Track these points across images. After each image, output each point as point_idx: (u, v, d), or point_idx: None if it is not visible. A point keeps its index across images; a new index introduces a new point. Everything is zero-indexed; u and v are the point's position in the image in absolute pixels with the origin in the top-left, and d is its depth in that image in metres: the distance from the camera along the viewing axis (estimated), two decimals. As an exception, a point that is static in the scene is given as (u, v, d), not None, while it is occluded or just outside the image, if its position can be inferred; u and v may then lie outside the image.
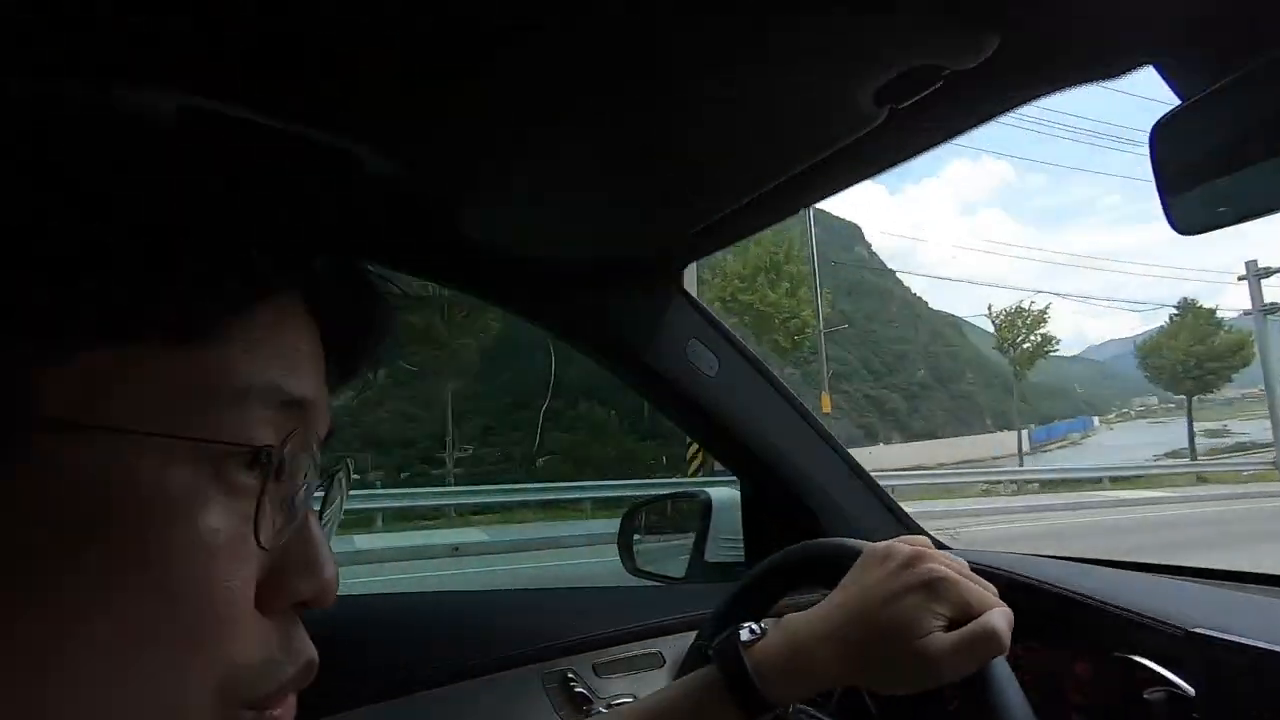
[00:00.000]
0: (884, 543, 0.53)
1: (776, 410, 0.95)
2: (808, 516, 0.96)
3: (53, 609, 0.22)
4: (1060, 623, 0.69)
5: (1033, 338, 28.40)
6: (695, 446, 14.10)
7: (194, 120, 0.52)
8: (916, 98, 0.49)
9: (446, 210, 0.68)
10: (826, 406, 13.83)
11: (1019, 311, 28.99)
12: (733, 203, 0.71)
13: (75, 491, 0.22)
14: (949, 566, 0.48)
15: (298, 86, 0.54)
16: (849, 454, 1.01)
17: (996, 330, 29.36)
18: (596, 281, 0.83)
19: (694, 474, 14.05)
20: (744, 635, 0.52)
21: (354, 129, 0.59)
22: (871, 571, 0.50)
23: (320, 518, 0.29)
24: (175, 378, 0.24)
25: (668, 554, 1.11)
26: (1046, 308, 29.53)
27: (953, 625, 0.45)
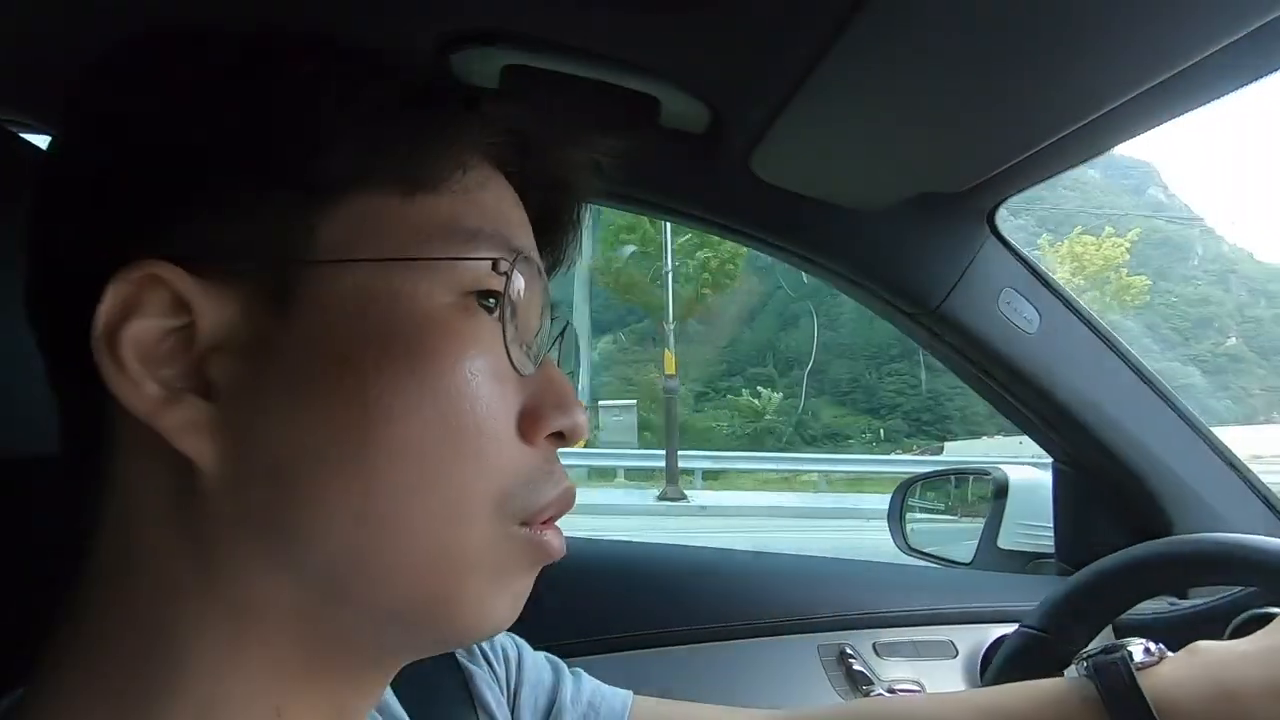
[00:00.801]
0: None
1: (1114, 376, 0.78)
2: (1152, 506, 0.78)
3: (354, 417, 0.25)
4: None
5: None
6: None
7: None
8: None
9: (744, 150, 0.65)
10: (670, 367, 10.41)
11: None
12: (1086, 113, 0.57)
13: (354, 318, 0.26)
14: None
15: (616, 25, 0.55)
16: (1213, 434, 0.80)
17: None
18: (893, 223, 0.73)
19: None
20: (1137, 654, 0.41)
21: (666, 72, 0.59)
22: None
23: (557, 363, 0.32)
24: (416, 220, 0.27)
25: (945, 534, 0.99)
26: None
27: None
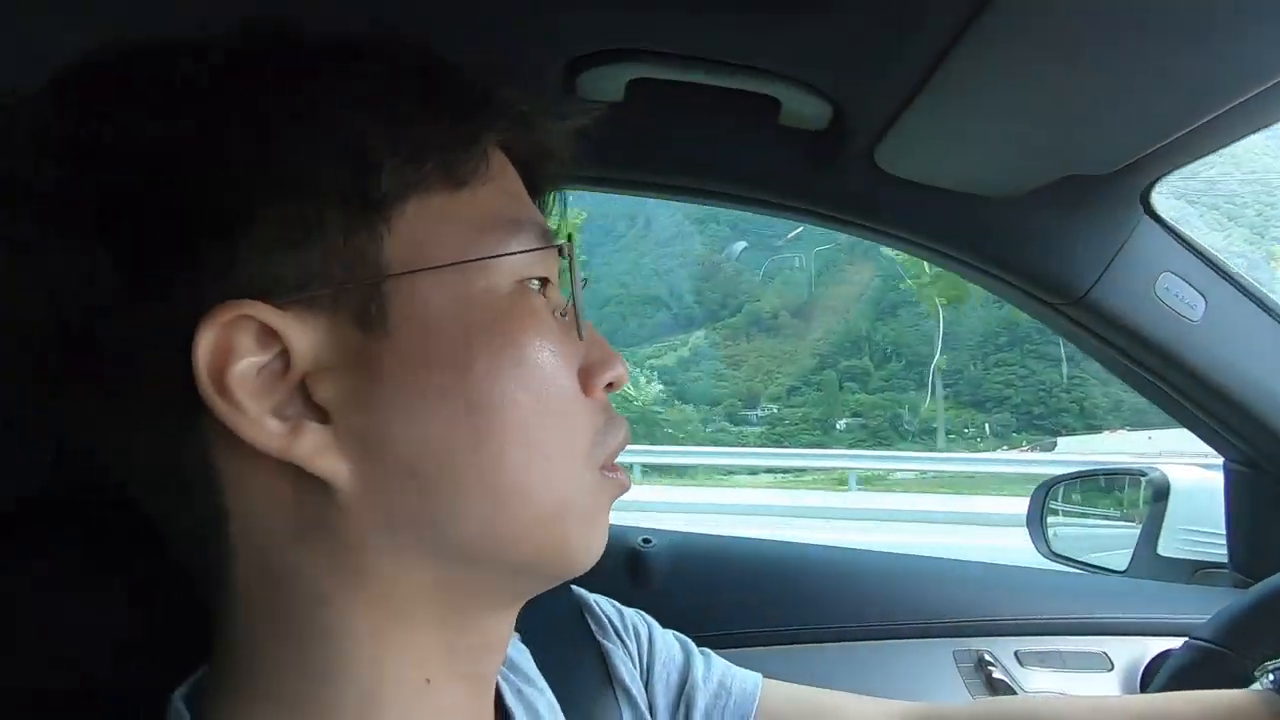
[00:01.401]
0: None
1: (1300, 365, 0.70)
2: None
3: (465, 410, 0.27)
4: None
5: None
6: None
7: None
8: None
9: (868, 145, 0.63)
10: None
11: None
12: (1258, 83, 0.52)
13: (442, 321, 0.27)
14: None
15: (739, 32, 0.55)
16: None
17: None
18: (1033, 209, 0.69)
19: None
20: None
21: (787, 73, 0.58)
22: None
23: None
24: (466, 216, 0.29)
25: (1094, 540, 0.92)
26: None
27: None
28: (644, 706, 0.44)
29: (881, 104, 0.59)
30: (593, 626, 0.47)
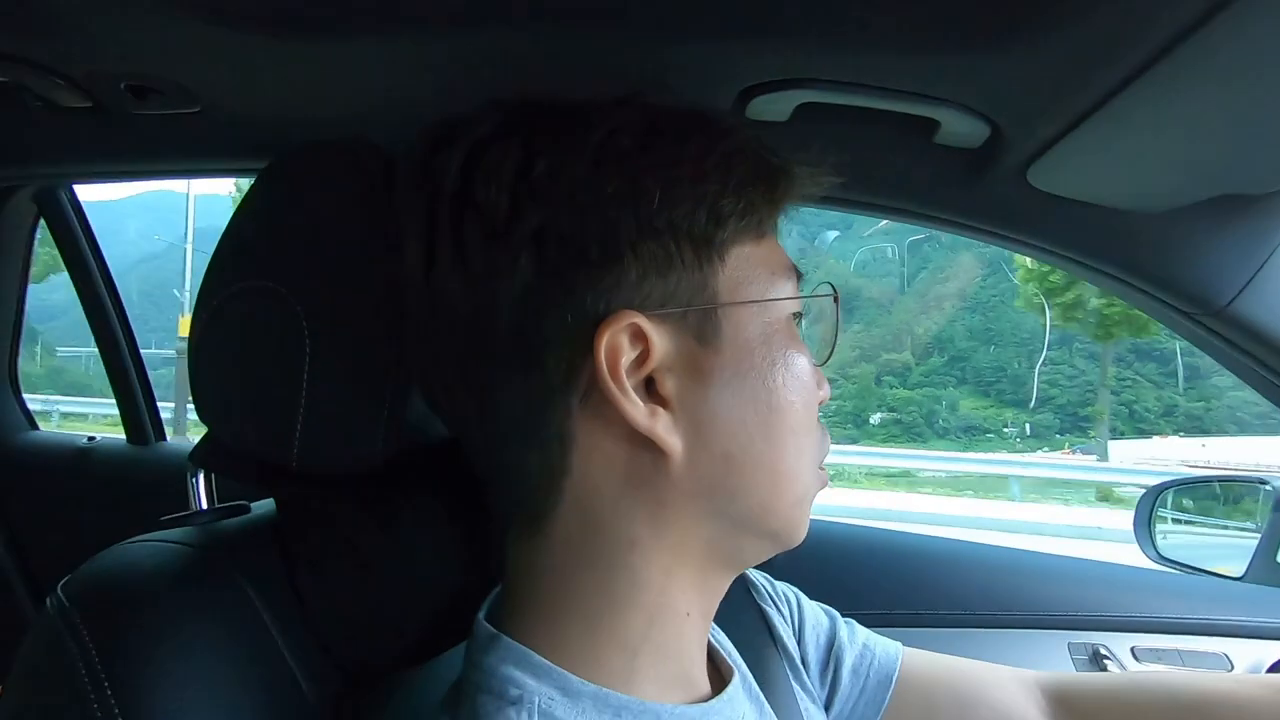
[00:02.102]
0: None
1: None
2: None
3: (765, 412, 0.36)
4: None
5: None
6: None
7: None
8: None
9: (1021, 164, 0.66)
10: (183, 329, 9.94)
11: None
12: None
13: (753, 343, 0.36)
14: None
15: (905, 62, 0.57)
16: None
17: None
18: (1180, 223, 0.71)
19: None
20: None
21: (949, 98, 0.61)
22: None
23: None
24: (764, 263, 0.37)
25: (1206, 545, 0.94)
26: None
27: None
28: (799, 660, 0.51)
29: (1044, 127, 0.61)
30: (752, 592, 0.54)
